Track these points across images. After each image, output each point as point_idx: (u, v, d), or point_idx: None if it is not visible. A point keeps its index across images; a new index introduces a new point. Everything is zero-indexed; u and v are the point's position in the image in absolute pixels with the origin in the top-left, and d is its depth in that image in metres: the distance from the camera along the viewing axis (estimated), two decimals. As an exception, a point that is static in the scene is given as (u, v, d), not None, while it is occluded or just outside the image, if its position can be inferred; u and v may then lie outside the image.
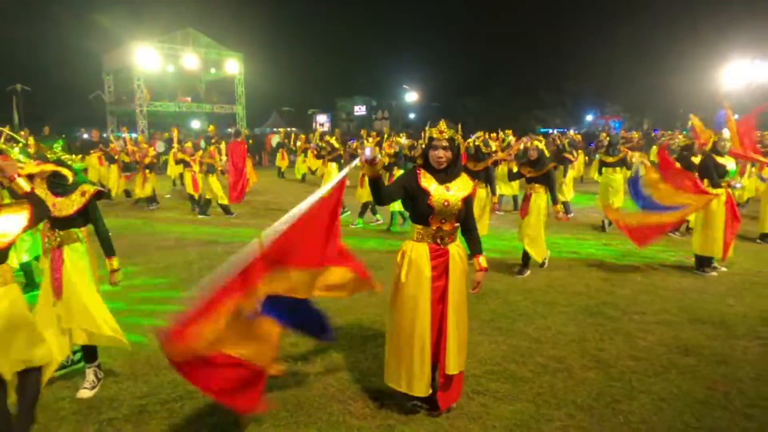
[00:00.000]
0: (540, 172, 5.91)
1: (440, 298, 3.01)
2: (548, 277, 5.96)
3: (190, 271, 6.29)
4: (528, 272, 6.02)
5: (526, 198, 6.03)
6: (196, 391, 3.37)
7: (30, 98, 26.61)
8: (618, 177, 8.72)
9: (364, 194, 9.13)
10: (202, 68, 25.45)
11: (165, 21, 27.78)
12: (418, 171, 2.98)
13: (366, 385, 3.47)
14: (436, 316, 2.99)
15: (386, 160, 8.55)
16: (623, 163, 8.69)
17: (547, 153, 6.10)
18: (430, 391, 3.04)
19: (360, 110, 55.57)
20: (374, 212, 9.58)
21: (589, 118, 47.91)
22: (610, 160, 8.72)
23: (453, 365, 2.99)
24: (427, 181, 2.93)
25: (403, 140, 9.06)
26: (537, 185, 5.94)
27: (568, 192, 10.38)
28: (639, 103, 41.37)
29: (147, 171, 11.33)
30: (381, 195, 2.89)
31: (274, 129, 25.10)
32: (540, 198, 5.93)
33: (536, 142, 5.98)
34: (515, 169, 6.31)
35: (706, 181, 5.98)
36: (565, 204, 10.40)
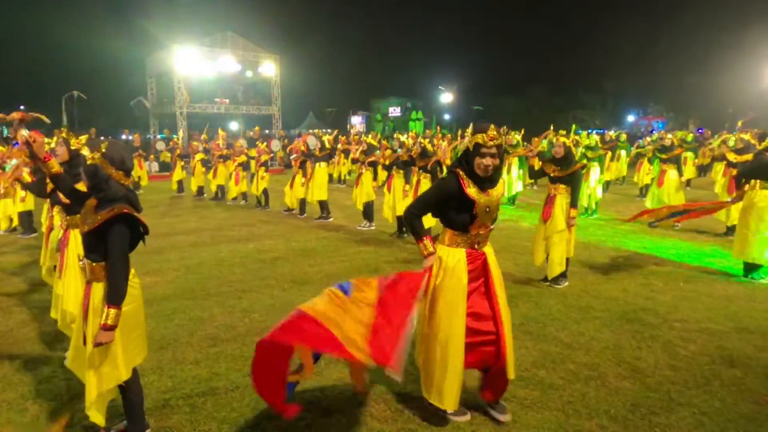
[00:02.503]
0: (566, 172, 5.46)
1: (479, 301, 2.92)
2: (583, 281, 5.73)
3: (221, 268, 6.37)
4: (566, 282, 5.61)
5: (550, 200, 5.55)
6: (219, 387, 3.38)
7: (80, 103, 27.79)
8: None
9: (363, 195, 8.96)
10: (239, 70, 25.94)
11: (205, 24, 28.57)
12: (460, 179, 2.83)
13: (388, 388, 3.39)
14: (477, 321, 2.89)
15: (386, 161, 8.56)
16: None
17: (574, 151, 5.70)
18: (457, 406, 2.93)
19: (395, 111, 55.60)
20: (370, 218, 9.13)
21: (631, 118, 46.37)
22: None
23: (512, 369, 2.91)
24: (471, 189, 2.80)
25: (403, 138, 8.73)
26: (561, 186, 5.48)
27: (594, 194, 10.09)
28: (684, 103, 39.74)
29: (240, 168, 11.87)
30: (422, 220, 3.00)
31: (310, 130, 25.39)
32: (564, 200, 5.47)
33: (563, 139, 5.57)
34: (537, 166, 5.80)
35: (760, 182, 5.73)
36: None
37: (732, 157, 7.91)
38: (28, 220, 8.58)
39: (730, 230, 7.97)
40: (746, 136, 8.40)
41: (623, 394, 3.30)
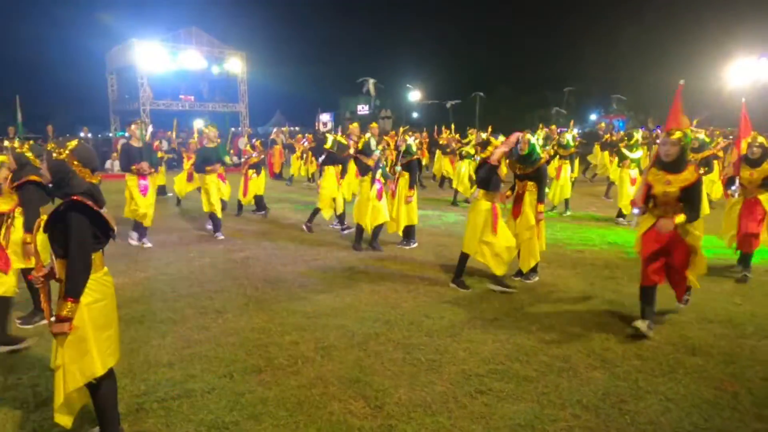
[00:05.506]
0: (532, 168, 5.55)
1: None
2: (553, 276, 5.88)
3: (191, 269, 6.25)
4: (537, 277, 5.73)
5: (518, 197, 5.63)
6: (195, 390, 3.33)
7: (33, 98, 26.71)
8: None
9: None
10: (205, 67, 25.41)
11: (168, 19, 27.85)
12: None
13: (367, 384, 3.41)
14: None
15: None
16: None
17: (538, 148, 5.73)
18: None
19: (363, 109, 55.43)
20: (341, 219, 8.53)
21: (593, 117, 47.64)
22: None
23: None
24: None
25: (411, 140, 7.65)
26: (529, 182, 5.57)
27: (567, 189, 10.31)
28: (643, 102, 41.12)
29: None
30: None
31: (276, 128, 25.08)
32: (532, 196, 5.55)
33: (527, 136, 5.67)
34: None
35: None
36: (566, 201, 10.35)
37: (690, 156, 8.24)
38: None
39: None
40: (701, 135, 8.84)
41: (594, 383, 3.41)
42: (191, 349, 3.95)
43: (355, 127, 8.47)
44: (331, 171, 8.13)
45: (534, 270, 5.70)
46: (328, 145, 8.18)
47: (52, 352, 2.55)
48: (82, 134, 29.46)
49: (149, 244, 7.40)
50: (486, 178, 5.30)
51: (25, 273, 4.07)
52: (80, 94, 36.53)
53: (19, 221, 4.06)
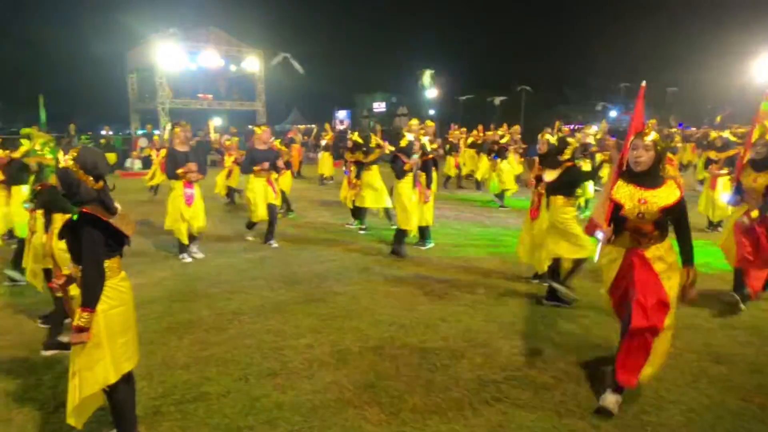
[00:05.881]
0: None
1: None
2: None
3: (208, 269, 6.29)
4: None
5: (538, 198, 5.46)
6: (211, 393, 3.34)
7: (57, 97, 27.19)
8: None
9: (350, 196, 8.28)
10: (223, 66, 25.63)
11: (187, 19, 28.13)
12: None
13: (382, 390, 3.39)
14: None
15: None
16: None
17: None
18: None
19: (380, 107, 55.38)
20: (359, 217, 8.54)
21: (614, 114, 46.92)
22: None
23: None
24: None
25: (425, 139, 7.27)
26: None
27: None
28: (665, 99, 40.36)
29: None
30: None
31: (295, 125, 25.18)
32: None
33: (547, 135, 5.50)
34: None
35: None
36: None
37: (713, 155, 8.04)
38: None
39: (713, 225, 8.11)
40: (725, 134, 8.56)
41: (614, 392, 3.33)
42: (207, 351, 3.97)
43: (414, 123, 7.48)
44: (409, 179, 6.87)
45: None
46: (404, 143, 6.89)
47: (70, 357, 2.57)
48: (103, 132, 30.00)
49: (200, 255, 6.84)
50: (572, 182, 5.12)
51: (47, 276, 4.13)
52: (102, 94, 37.09)
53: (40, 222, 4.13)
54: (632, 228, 3.14)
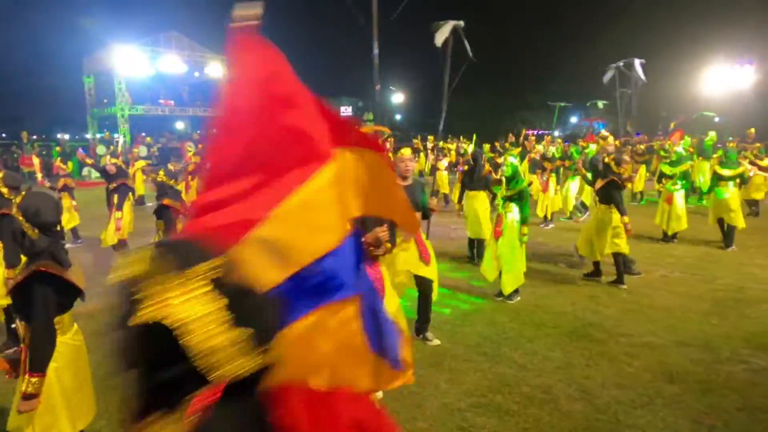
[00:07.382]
0: (514, 191, 5.58)
1: None
2: (534, 295, 5.91)
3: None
4: (518, 297, 5.73)
5: (499, 218, 5.66)
6: None
7: (5, 99, 26.08)
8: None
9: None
10: (186, 71, 25.13)
11: (147, 23, 27.46)
12: None
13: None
14: None
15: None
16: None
17: (522, 170, 5.65)
18: None
19: (346, 111, 55.35)
20: None
21: (574, 119, 48.22)
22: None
23: None
24: None
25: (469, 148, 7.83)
26: (510, 204, 5.60)
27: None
28: (622, 105, 41.72)
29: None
30: None
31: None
32: (514, 218, 5.54)
33: (509, 157, 5.57)
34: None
35: None
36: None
37: (667, 170, 8.36)
38: None
39: (668, 237, 8.42)
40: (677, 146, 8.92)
41: (574, 417, 3.43)
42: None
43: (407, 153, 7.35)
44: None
45: (516, 290, 5.72)
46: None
47: (11, 412, 2.39)
48: (59, 136, 28.92)
49: None
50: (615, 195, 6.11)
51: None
52: (56, 97, 35.79)
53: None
54: None
